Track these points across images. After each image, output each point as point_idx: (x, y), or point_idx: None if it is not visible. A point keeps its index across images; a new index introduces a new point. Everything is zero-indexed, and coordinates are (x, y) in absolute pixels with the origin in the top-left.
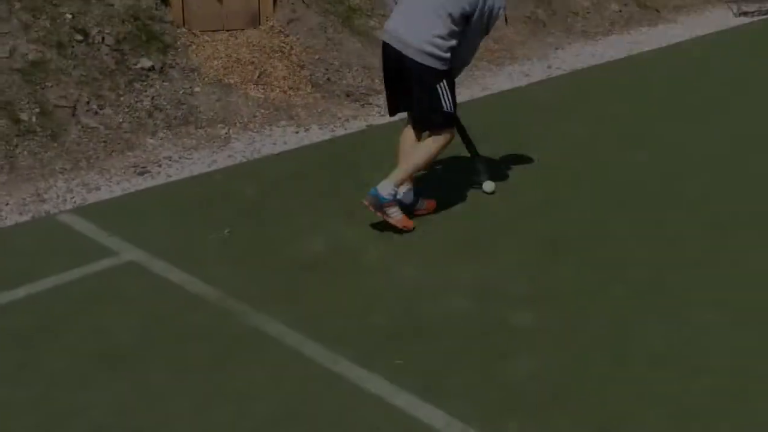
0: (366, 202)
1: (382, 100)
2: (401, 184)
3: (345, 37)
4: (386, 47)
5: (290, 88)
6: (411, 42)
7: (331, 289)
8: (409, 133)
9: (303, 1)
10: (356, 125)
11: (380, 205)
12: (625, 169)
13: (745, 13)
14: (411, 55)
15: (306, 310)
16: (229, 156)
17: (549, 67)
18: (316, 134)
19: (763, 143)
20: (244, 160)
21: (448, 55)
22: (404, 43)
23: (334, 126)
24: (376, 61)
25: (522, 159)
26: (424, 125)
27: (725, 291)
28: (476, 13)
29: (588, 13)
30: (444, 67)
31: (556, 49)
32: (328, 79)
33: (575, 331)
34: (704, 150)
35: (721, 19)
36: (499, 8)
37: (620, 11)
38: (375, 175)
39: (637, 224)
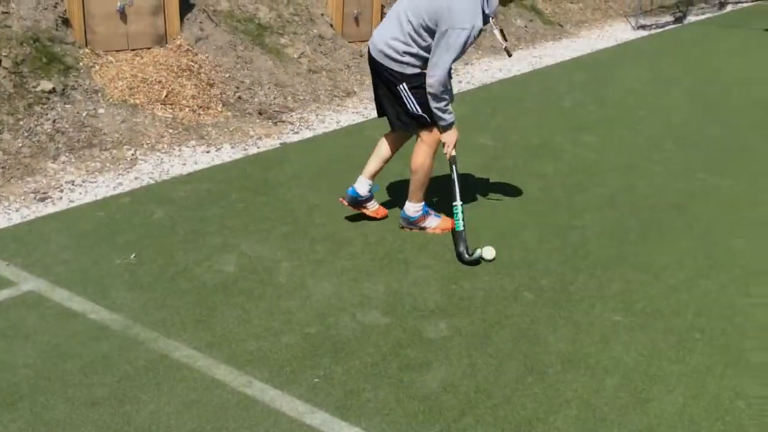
0: (344, 202)
1: (295, 117)
2: (420, 199)
3: (256, 55)
4: (368, 50)
5: (200, 107)
6: (376, 43)
7: (244, 310)
8: (389, 135)
9: (211, 19)
10: (270, 143)
11: (410, 222)
12: (533, 179)
13: (643, 27)
14: (374, 55)
15: (218, 333)
16: (136, 178)
17: (460, 81)
18: (228, 153)
19: (662, 151)
20: (152, 182)
21: (406, 59)
22: (372, 44)
23: (247, 144)
24: (288, 78)
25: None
26: (393, 126)
27: (630, 293)
28: (437, 32)
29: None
30: (403, 70)
31: (466, 64)
32: (240, 97)
33: (488, 339)
34: (607, 159)
35: (621, 33)
36: (465, 40)
37: (526, 27)
38: (290, 192)
39: (545, 233)
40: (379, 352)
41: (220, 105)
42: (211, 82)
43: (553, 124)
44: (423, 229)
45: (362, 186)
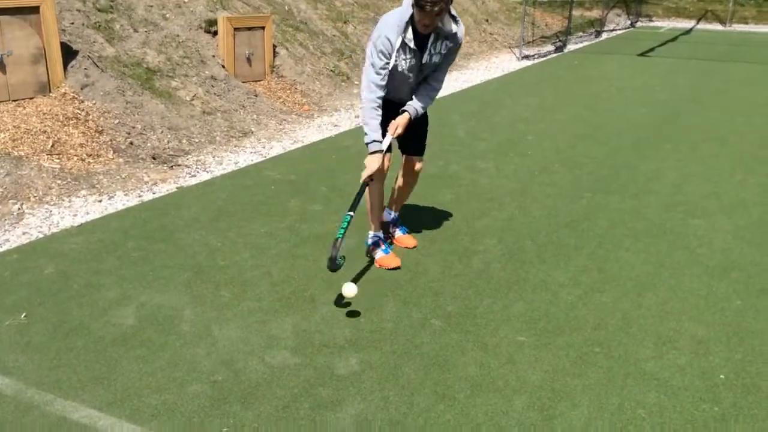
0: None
1: (191, 160)
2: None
3: (146, 100)
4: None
5: (89, 156)
6: (426, 102)
7: (146, 363)
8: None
9: (97, 66)
10: (165, 188)
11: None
12: (433, 209)
13: (527, 57)
14: (423, 110)
15: (119, 389)
16: (24, 233)
17: (356, 116)
18: (122, 201)
19: (552, 174)
20: (41, 236)
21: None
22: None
23: (141, 191)
24: (182, 121)
25: (338, 207)
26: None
27: (532, 313)
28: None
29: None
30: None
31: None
32: (131, 143)
33: (399, 370)
34: (502, 184)
35: (506, 63)
36: (371, 56)
37: None
38: (190, 237)
39: (448, 260)
40: (289, 393)
41: (111, 152)
42: (100, 129)
43: (449, 154)
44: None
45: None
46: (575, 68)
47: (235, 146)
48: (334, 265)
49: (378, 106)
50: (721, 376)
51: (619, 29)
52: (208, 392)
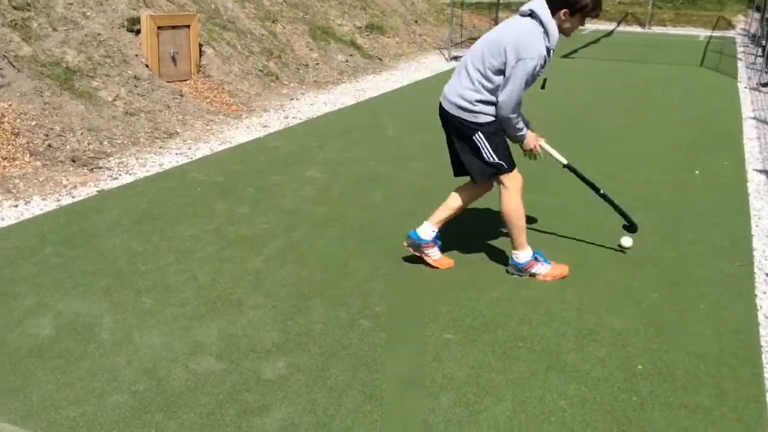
0: (405, 244)
1: (113, 162)
2: (523, 246)
3: (65, 101)
4: (439, 106)
5: (4, 159)
6: (448, 96)
7: (63, 374)
8: (463, 187)
9: (13, 65)
10: (85, 192)
11: (520, 270)
12: (363, 208)
13: (455, 58)
14: (447, 108)
15: (35, 402)
16: None
17: (286, 117)
18: (39, 205)
19: None
20: None
21: (478, 107)
22: (444, 98)
23: (60, 195)
24: (103, 122)
25: (266, 208)
26: (474, 178)
27: (459, 310)
28: (506, 68)
29: (317, 64)
30: (476, 120)
31: (291, 99)
32: (49, 145)
33: (327, 372)
34: (432, 184)
35: (436, 64)
36: (533, 68)
37: (347, 61)
38: (111, 242)
39: (377, 260)
40: (214, 400)
41: (28, 155)
42: (16, 131)
43: (379, 154)
44: (533, 275)
45: (425, 231)
46: None
47: (160, 148)
48: (634, 228)
49: (520, 117)
50: (639, 367)
51: None
52: (129, 402)
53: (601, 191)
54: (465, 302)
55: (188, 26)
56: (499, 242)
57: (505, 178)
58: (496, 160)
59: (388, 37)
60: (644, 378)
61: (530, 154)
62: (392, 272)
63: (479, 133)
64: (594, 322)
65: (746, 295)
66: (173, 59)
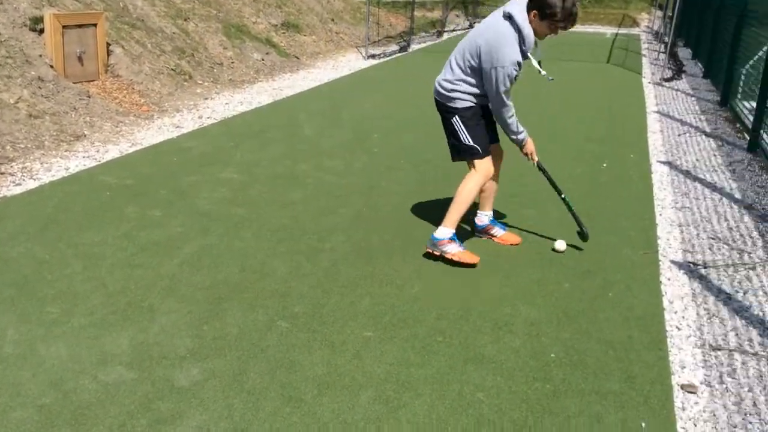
0: (427, 249)
1: (16, 168)
2: (453, 224)
3: None
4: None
5: None
6: (436, 83)
7: None
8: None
9: None
10: None
11: (434, 243)
12: (280, 208)
13: (373, 56)
14: (434, 94)
15: None
16: None
17: (200, 117)
18: None
19: (398, 170)
20: None
21: (455, 95)
22: (435, 85)
23: None
24: (5, 126)
25: (180, 211)
26: (452, 156)
27: (378, 307)
28: (483, 70)
29: (232, 63)
30: (454, 105)
31: (205, 99)
32: None
33: (244, 376)
34: (350, 182)
35: (353, 63)
36: (507, 75)
37: (263, 60)
38: (14, 250)
39: (295, 259)
40: (125, 411)
41: None
42: None
43: (296, 153)
44: (443, 253)
45: (479, 219)
46: (419, 67)
47: (66, 151)
48: (585, 237)
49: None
50: (552, 355)
51: (459, 29)
52: (35, 417)
53: (562, 195)
54: (384, 299)
55: (95, 25)
56: (416, 238)
57: (477, 163)
58: (471, 143)
59: (305, 36)
60: (557, 366)
61: (535, 161)
62: (311, 272)
63: (457, 116)
64: (509, 313)
65: (651, 281)
66: (80, 59)
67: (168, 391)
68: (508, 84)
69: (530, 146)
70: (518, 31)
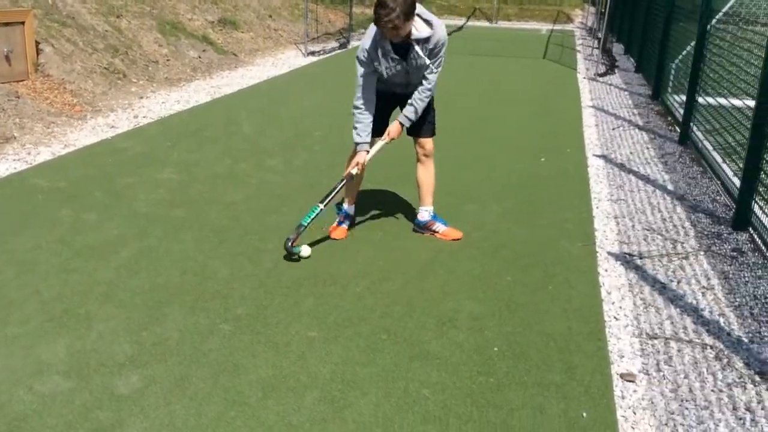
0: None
1: None
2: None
3: None
4: None
5: None
6: None
7: None
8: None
9: None
10: None
11: (422, 227)
12: (221, 208)
13: (313, 53)
14: None
15: None
16: None
17: (136, 116)
18: None
19: (339, 168)
20: None
21: None
22: None
23: None
24: None
25: (116, 213)
26: (432, 133)
27: (322, 307)
28: None
29: (168, 60)
30: None
31: (141, 98)
32: None
33: (186, 381)
34: (291, 180)
35: (293, 60)
36: (362, 69)
37: (200, 57)
38: None
39: (237, 260)
40: (63, 421)
41: None
42: None
43: (236, 152)
44: (434, 232)
45: (421, 214)
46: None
47: None
48: (288, 249)
49: (364, 110)
50: (495, 349)
51: None
52: None
53: (323, 207)
54: (328, 298)
55: (23, 23)
56: (359, 237)
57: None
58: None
59: (243, 32)
60: (500, 359)
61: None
62: (253, 273)
63: None
64: (453, 308)
65: (589, 273)
66: (7, 58)
67: (107, 400)
68: (358, 70)
69: (360, 157)
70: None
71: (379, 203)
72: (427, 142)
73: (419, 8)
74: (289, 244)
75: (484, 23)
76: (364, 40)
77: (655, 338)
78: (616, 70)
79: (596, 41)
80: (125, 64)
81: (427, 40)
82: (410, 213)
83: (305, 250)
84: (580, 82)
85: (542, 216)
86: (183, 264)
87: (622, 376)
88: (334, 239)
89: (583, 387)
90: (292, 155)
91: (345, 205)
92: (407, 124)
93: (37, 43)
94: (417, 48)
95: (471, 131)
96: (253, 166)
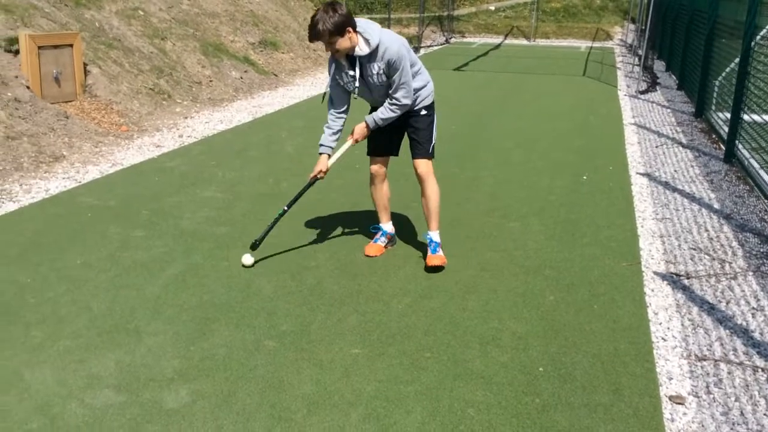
0: (438, 260)
1: None
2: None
3: None
4: None
5: None
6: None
7: None
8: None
9: None
10: None
11: (437, 249)
12: (264, 226)
13: None
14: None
15: None
16: None
17: (180, 136)
18: None
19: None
20: None
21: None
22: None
23: None
24: None
25: (163, 231)
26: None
27: (365, 324)
28: None
29: (211, 81)
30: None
31: (185, 118)
32: None
33: (233, 397)
34: (332, 199)
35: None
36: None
37: (241, 78)
38: None
39: (280, 278)
40: None
41: None
42: None
43: (278, 171)
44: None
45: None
46: None
47: (45, 172)
48: (254, 246)
49: (333, 117)
50: (540, 369)
51: (435, 45)
52: None
53: (286, 209)
54: (371, 316)
55: (71, 45)
56: (401, 254)
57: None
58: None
59: (283, 53)
60: (545, 380)
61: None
62: (297, 290)
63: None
64: (496, 327)
65: (636, 293)
66: (56, 80)
67: (156, 414)
68: (332, 84)
69: (321, 164)
70: None
71: (420, 220)
72: (420, 164)
73: (363, 25)
74: (256, 244)
75: (522, 41)
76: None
77: (705, 360)
78: (657, 88)
79: (637, 58)
80: (170, 84)
81: (371, 56)
82: (452, 230)
83: (247, 259)
84: (621, 100)
85: (585, 234)
86: (228, 281)
87: (671, 398)
88: (370, 256)
89: (631, 409)
90: (333, 174)
91: (381, 224)
92: (372, 125)
93: (85, 65)
94: (370, 66)
95: (511, 149)
96: (295, 185)
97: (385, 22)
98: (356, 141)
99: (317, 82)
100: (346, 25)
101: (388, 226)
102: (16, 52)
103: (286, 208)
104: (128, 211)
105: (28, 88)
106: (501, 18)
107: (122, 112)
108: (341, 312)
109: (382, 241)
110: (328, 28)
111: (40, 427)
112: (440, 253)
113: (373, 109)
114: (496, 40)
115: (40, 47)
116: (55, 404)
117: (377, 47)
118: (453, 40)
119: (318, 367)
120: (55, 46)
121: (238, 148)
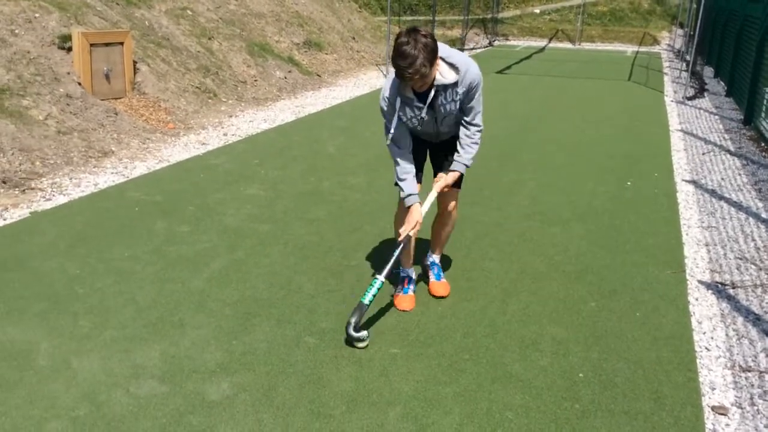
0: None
1: (46, 183)
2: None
3: None
4: None
5: None
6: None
7: (0, 402)
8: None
9: None
10: (17, 214)
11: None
12: (305, 224)
13: None
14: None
15: None
16: None
17: (225, 134)
18: None
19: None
20: None
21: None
22: None
23: None
24: (35, 142)
25: (208, 227)
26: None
27: (404, 324)
28: None
29: (256, 81)
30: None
31: (230, 116)
32: None
33: (273, 391)
34: (373, 199)
35: (374, 80)
36: (384, 111)
37: (285, 78)
38: (46, 264)
39: (321, 276)
40: (157, 424)
41: None
42: None
43: (320, 170)
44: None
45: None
46: None
47: (95, 167)
48: (350, 335)
49: (405, 160)
50: (580, 375)
51: (479, 48)
52: (69, 428)
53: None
54: (409, 316)
55: (122, 43)
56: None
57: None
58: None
59: (326, 54)
60: (585, 386)
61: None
62: (337, 288)
63: None
64: (536, 331)
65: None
66: (107, 77)
67: (199, 405)
68: (385, 121)
69: (416, 214)
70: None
71: (462, 222)
72: (453, 194)
73: (443, 49)
74: (350, 330)
75: (567, 45)
76: (384, 89)
77: (749, 371)
78: (705, 94)
79: (684, 64)
80: (216, 83)
81: (455, 84)
82: (492, 234)
83: (364, 339)
84: (667, 105)
85: (628, 241)
86: (270, 277)
87: (713, 408)
88: (403, 311)
89: (672, 418)
90: (375, 175)
91: (404, 268)
92: (463, 170)
93: (135, 63)
94: (445, 94)
95: (554, 153)
96: (336, 184)
97: (429, 25)
98: (445, 189)
99: (360, 83)
100: (436, 53)
101: (412, 271)
102: (69, 49)
103: (381, 278)
104: (174, 206)
105: (79, 84)
106: (546, 21)
107: (169, 109)
108: (381, 312)
109: (411, 289)
110: (427, 58)
111: (86, 414)
112: (444, 280)
113: (418, 140)
114: (540, 43)
115: (92, 45)
116: (101, 392)
117: (462, 74)
118: (497, 42)
119: (357, 365)
120: (107, 44)
121: (281, 147)
